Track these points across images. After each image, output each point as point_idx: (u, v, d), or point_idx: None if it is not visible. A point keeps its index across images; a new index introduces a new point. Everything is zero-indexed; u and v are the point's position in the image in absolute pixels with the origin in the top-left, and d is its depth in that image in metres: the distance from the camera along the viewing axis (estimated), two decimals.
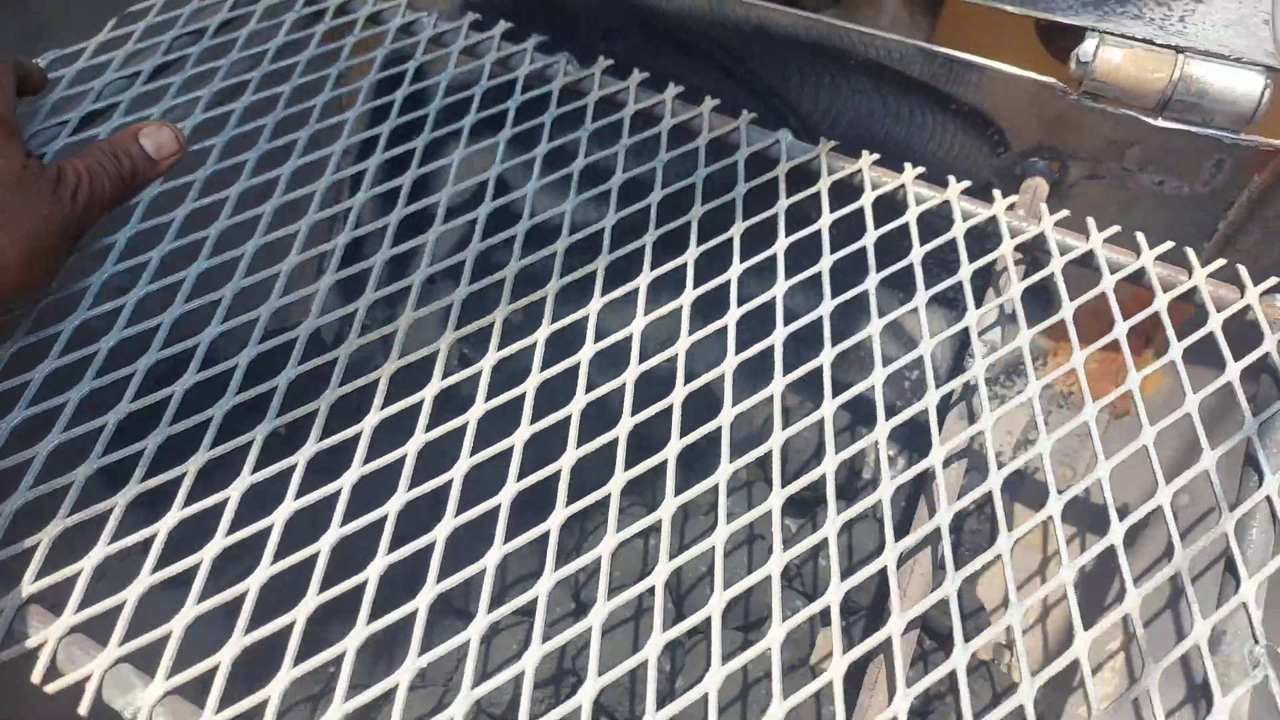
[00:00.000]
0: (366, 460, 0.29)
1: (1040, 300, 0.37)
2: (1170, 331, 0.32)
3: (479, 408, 0.31)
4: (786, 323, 0.33)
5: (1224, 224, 0.40)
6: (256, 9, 0.45)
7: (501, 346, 0.32)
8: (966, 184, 0.36)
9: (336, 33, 0.44)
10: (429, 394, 0.31)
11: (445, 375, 0.32)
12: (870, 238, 0.35)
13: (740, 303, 0.34)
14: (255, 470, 0.29)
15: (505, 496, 0.29)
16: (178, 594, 0.26)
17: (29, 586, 0.26)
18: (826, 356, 0.32)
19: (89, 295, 0.34)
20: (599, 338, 0.32)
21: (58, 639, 0.25)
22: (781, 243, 0.35)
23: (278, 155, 0.38)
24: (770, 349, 0.32)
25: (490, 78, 0.42)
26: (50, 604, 0.26)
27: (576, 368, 0.32)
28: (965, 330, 0.33)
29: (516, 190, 0.37)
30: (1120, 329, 0.32)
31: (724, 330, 0.33)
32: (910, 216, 0.36)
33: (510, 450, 0.30)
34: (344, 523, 0.28)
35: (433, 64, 0.43)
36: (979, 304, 0.33)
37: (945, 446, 0.30)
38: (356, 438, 0.30)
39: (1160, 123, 0.37)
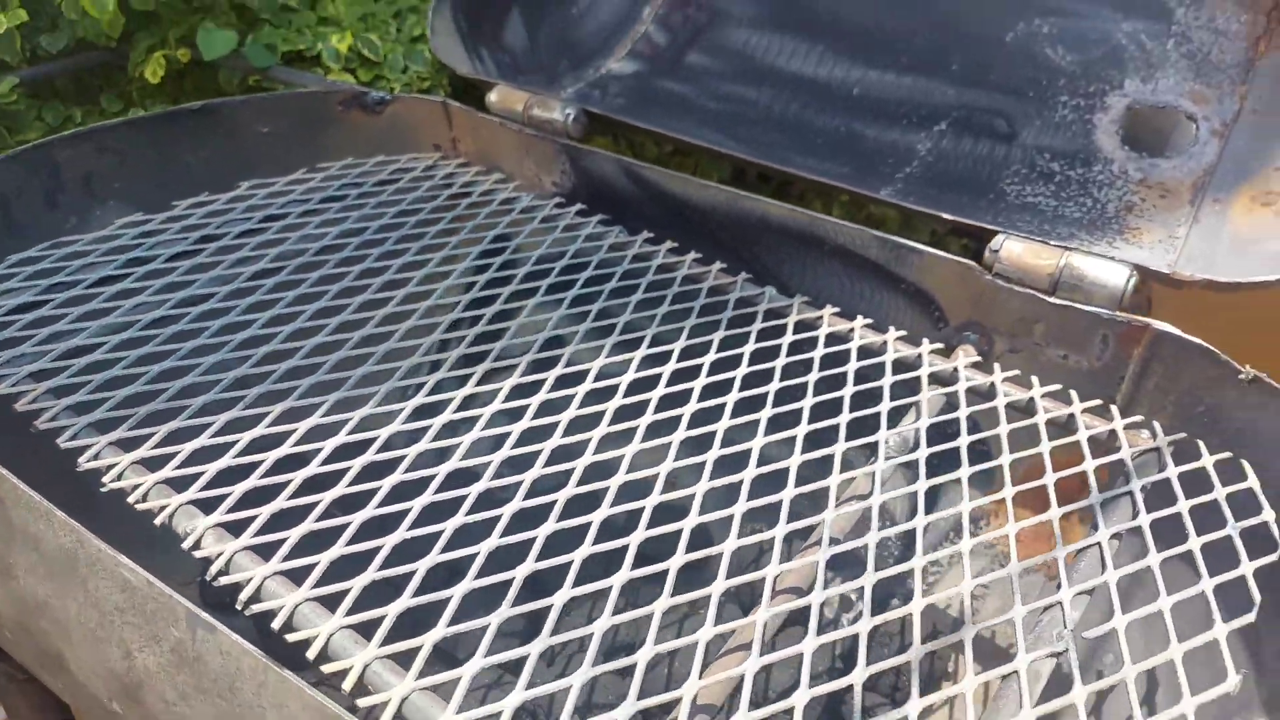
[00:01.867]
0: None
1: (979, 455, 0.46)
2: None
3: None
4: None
5: (1120, 396, 0.49)
6: (403, 177, 0.63)
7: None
8: (903, 332, 0.47)
9: (456, 197, 0.61)
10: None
11: None
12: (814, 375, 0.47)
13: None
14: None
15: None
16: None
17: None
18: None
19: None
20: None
21: None
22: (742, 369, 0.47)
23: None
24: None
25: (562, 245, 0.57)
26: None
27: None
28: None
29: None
30: (1049, 478, 0.41)
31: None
32: (875, 359, 0.47)
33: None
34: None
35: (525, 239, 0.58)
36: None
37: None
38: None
39: (1053, 300, 0.48)
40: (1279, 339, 0.48)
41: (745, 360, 0.48)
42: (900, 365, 0.48)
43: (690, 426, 0.43)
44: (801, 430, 0.43)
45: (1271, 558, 0.37)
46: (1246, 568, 0.36)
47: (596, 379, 0.46)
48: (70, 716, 0.52)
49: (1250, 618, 0.34)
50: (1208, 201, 0.59)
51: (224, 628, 0.28)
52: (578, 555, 0.36)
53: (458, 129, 0.68)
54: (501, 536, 0.36)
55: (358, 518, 0.36)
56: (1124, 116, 0.66)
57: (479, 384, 0.46)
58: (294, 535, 0.34)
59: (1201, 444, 0.42)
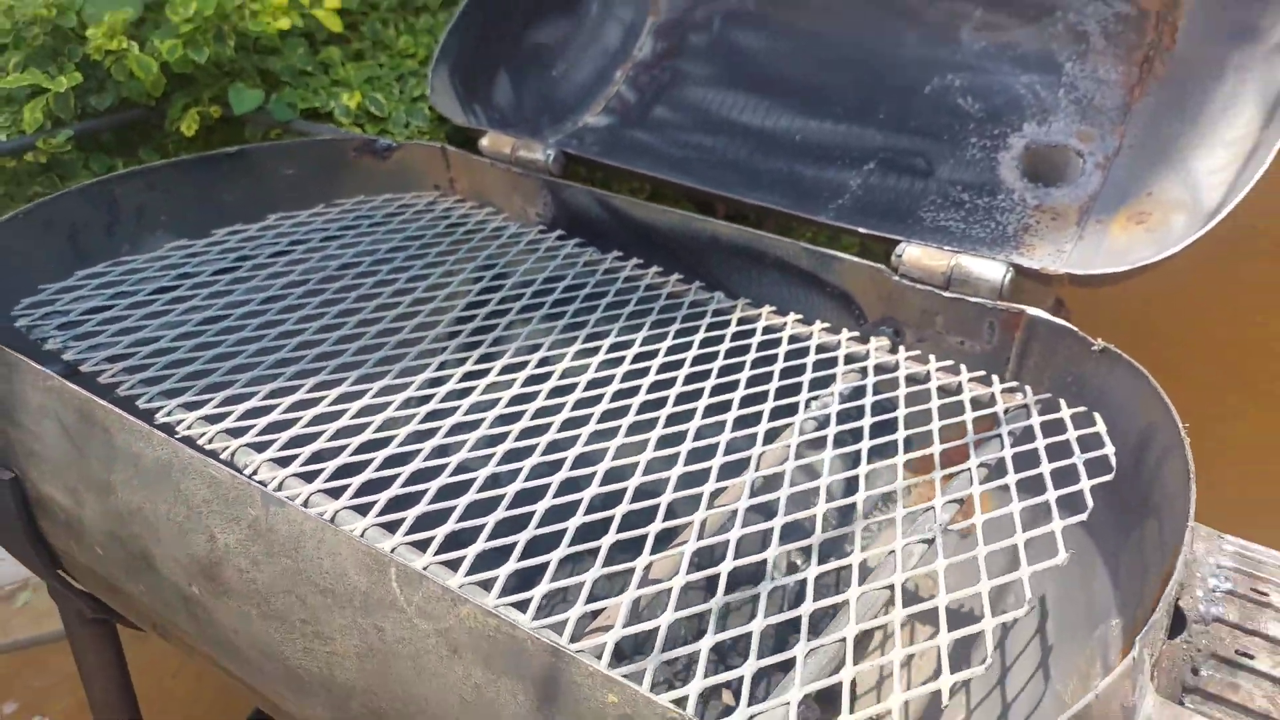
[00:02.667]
0: None
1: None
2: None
3: None
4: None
5: (1007, 372, 0.59)
6: (408, 210, 0.74)
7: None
8: (828, 324, 0.58)
9: (453, 226, 0.72)
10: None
11: None
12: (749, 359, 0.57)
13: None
14: None
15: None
16: None
17: None
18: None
19: None
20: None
21: None
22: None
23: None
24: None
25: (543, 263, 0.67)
26: None
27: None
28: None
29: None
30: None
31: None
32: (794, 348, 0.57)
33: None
34: None
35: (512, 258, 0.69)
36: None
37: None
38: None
39: (947, 294, 0.59)
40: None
41: (694, 348, 0.58)
42: (822, 349, 0.58)
43: (646, 402, 0.53)
44: (738, 394, 0.53)
45: (1107, 477, 0.46)
46: (1085, 484, 0.46)
47: (569, 367, 0.56)
48: (123, 660, 0.60)
49: (1083, 517, 0.44)
50: (1091, 222, 0.71)
51: (291, 501, 0.37)
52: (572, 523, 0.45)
53: (454, 170, 0.79)
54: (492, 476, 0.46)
55: (379, 456, 0.46)
56: (1023, 154, 0.78)
57: (474, 364, 0.55)
58: (331, 466, 0.44)
59: (1062, 401, 0.52)
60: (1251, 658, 0.34)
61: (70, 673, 1.09)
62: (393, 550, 0.37)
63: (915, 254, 0.59)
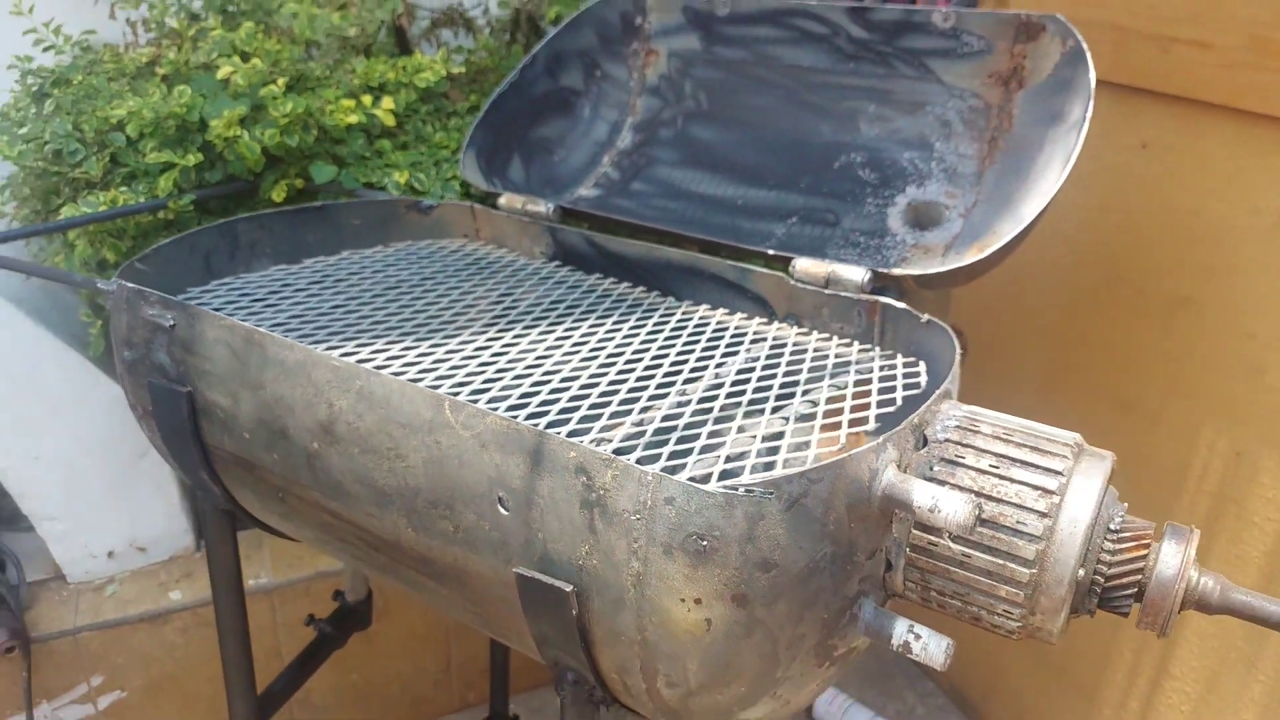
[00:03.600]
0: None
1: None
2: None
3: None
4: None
5: (872, 344, 0.83)
6: (444, 250, 0.99)
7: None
8: (745, 315, 0.82)
9: (477, 259, 0.97)
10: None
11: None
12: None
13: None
14: None
15: None
16: None
17: None
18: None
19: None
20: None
21: None
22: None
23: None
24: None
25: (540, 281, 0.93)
26: None
27: None
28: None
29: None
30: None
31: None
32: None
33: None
34: None
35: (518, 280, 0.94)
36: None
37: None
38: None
39: (827, 292, 0.83)
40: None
41: (645, 331, 0.82)
42: (739, 330, 0.82)
43: (609, 354, 0.77)
44: (674, 355, 0.77)
45: (916, 391, 0.69)
46: (899, 394, 0.69)
47: (557, 339, 0.80)
48: (238, 550, 0.82)
49: (890, 409, 0.67)
50: (951, 253, 0.96)
51: (381, 373, 0.60)
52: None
53: (479, 221, 1.05)
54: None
55: (434, 368, 0.69)
56: (906, 209, 1.03)
57: (495, 332, 0.80)
58: (408, 370, 0.67)
59: (899, 354, 0.76)
60: (963, 459, 0.57)
61: (146, 653, 1.30)
62: (446, 393, 0.60)
63: (804, 264, 0.84)
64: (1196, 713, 1.24)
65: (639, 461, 0.53)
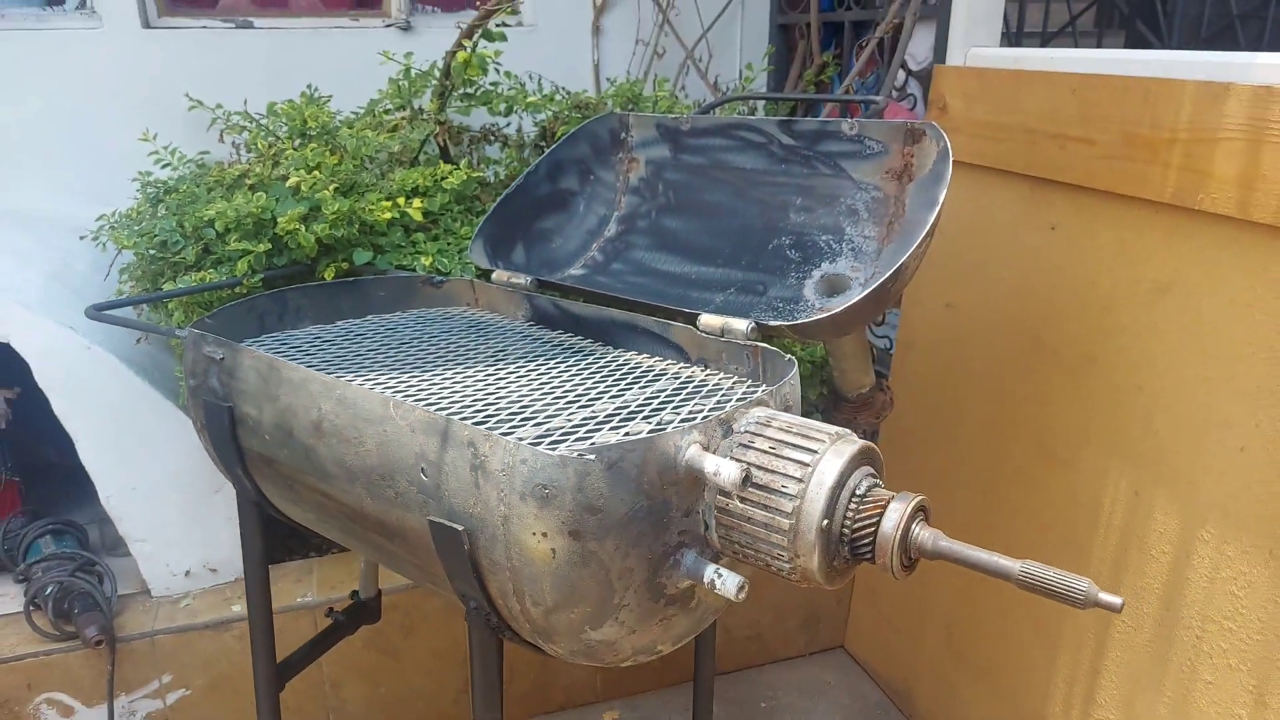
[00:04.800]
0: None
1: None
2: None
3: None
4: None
5: (760, 378, 1.04)
6: (451, 314, 1.26)
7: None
8: (668, 360, 1.05)
9: (474, 321, 1.23)
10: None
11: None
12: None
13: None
14: None
15: None
16: None
17: None
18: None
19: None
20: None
21: None
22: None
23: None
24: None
25: (519, 335, 1.18)
26: None
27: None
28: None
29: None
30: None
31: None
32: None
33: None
34: None
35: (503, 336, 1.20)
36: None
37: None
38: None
39: (722, 339, 1.05)
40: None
41: (590, 369, 1.05)
42: (660, 371, 1.05)
43: (560, 384, 1.00)
44: (610, 384, 1.00)
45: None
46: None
47: (516, 374, 1.04)
48: (265, 529, 1.08)
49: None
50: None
51: (350, 383, 0.85)
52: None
53: (478, 293, 1.31)
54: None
55: (415, 384, 0.94)
56: (820, 281, 1.25)
57: (485, 368, 1.04)
58: (381, 383, 0.92)
59: (765, 383, 0.97)
60: (754, 444, 0.78)
61: (209, 656, 1.55)
62: (391, 394, 0.85)
63: (705, 319, 1.07)
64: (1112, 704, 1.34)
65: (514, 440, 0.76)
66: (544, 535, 0.73)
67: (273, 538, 1.75)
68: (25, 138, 1.86)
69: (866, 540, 0.74)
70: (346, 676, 1.65)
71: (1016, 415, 1.51)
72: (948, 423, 1.68)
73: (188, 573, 1.63)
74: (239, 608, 1.58)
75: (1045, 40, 2.24)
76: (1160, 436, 1.27)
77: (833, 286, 1.25)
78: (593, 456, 0.73)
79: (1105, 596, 0.66)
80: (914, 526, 0.74)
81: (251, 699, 1.59)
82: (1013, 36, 2.08)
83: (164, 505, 1.58)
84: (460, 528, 0.77)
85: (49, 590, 1.50)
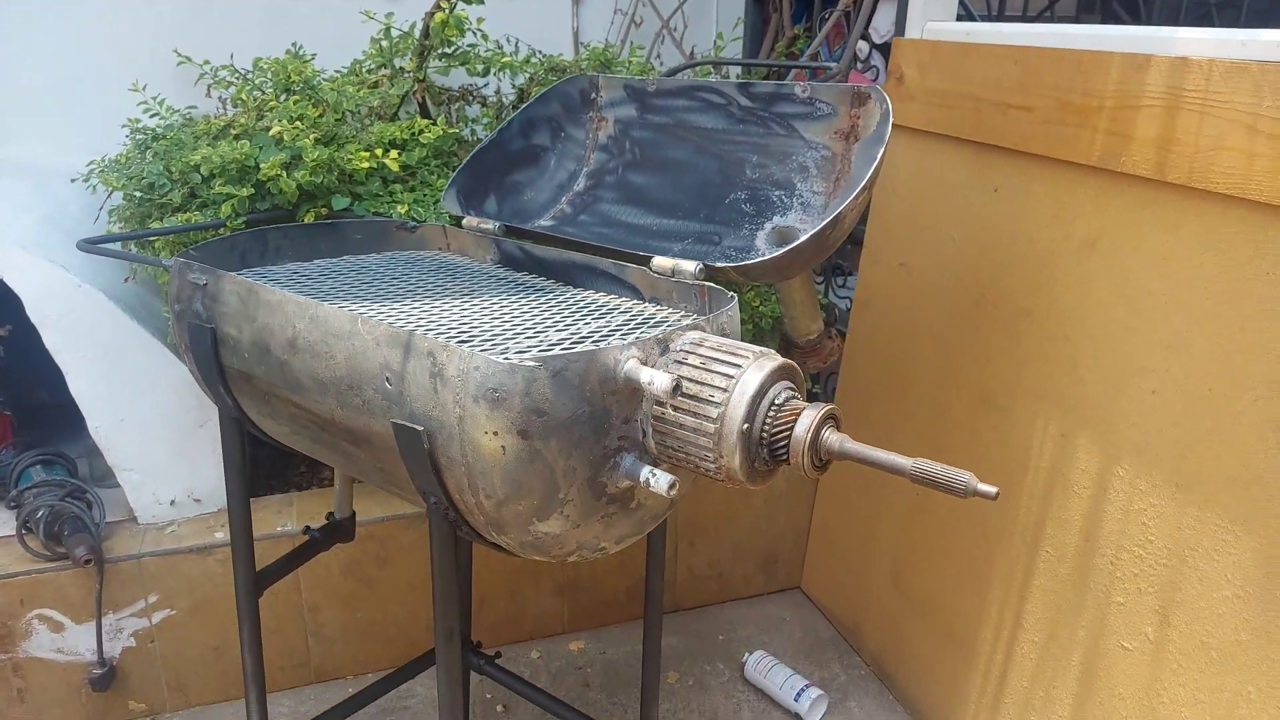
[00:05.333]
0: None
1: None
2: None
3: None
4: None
5: (707, 315, 1.12)
6: (424, 257, 1.34)
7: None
8: (622, 298, 1.14)
9: (445, 262, 1.31)
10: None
11: None
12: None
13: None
14: None
15: None
16: None
17: None
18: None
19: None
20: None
21: None
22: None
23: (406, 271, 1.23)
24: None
25: (486, 274, 1.26)
26: None
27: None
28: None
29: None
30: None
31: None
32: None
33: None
34: None
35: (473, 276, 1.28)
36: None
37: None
38: None
39: (673, 279, 1.13)
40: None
41: (552, 304, 1.13)
42: (614, 306, 1.13)
43: (522, 312, 1.08)
44: (570, 317, 1.08)
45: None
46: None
47: (482, 307, 1.13)
48: (245, 444, 1.16)
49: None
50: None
51: (322, 303, 0.93)
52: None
53: (450, 238, 1.39)
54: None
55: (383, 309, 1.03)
56: (771, 231, 1.34)
57: (451, 300, 1.13)
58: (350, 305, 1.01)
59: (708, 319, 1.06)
60: (687, 360, 0.87)
61: (192, 578, 1.64)
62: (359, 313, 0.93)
63: (658, 261, 1.15)
64: (1041, 659, 1.45)
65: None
66: (495, 434, 0.82)
67: (255, 474, 1.84)
68: (22, 92, 1.92)
69: (782, 443, 0.84)
70: (324, 602, 1.75)
71: (960, 368, 1.61)
72: (900, 376, 1.78)
73: (173, 502, 1.71)
74: (222, 534, 1.67)
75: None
76: (1085, 383, 1.36)
77: (783, 238, 1.33)
78: (538, 364, 0.81)
79: (982, 486, 0.75)
80: (824, 431, 0.83)
81: (232, 620, 1.68)
82: (994, 20, 2.15)
83: (151, 438, 1.66)
84: (420, 428, 0.85)
85: (40, 513, 1.58)
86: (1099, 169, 1.31)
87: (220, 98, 1.87)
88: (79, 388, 1.59)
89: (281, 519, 1.71)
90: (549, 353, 0.88)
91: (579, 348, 0.93)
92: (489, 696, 1.80)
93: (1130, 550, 1.30)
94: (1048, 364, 1.42)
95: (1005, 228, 1.50)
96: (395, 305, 1.11)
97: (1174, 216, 1.22)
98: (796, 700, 1.76)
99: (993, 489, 0.75)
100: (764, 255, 1.16)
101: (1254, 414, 1.13)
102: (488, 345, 0.96)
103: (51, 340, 1.56)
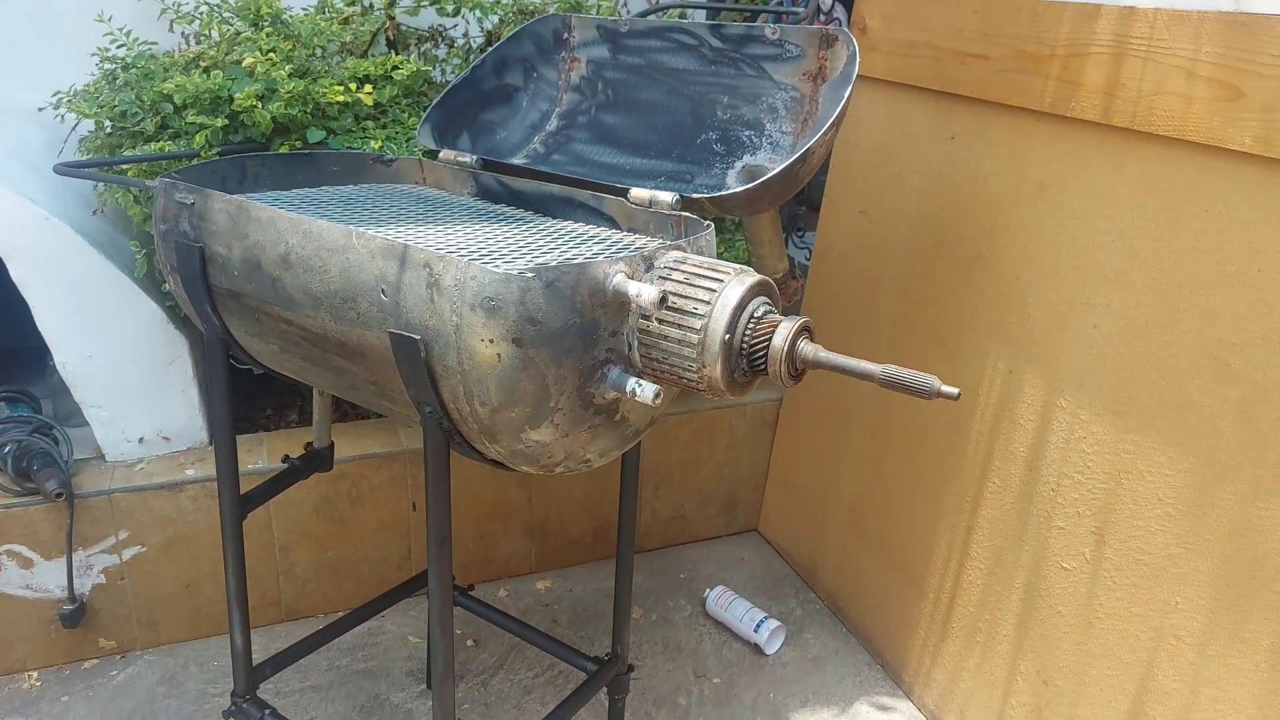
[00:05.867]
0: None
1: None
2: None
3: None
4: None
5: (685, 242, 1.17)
6: (399, 189, 1.36)
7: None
8: (600, 228, 1.17)
9: (424, 194, 1.34)
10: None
11: None
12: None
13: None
14: None
15: None
16: None
17: None
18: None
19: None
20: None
21: None
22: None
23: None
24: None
25: (463, 205, 1.29)
26: None
27: None
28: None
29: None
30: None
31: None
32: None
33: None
34: None
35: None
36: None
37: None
38: None
39: (651, 210, 1.18)
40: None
41: (530, 234, 1.17)
42: (593, 235, 1.17)
43: (504, 238, 1.12)
44: (535, 244, 1.12)
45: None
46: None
47: (463, 233, 1.16)
48: (230, 368, 1.18)
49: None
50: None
51: (316, 219, 0.96)
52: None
53: (426, 171, 1.41)
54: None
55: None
56: (742, 171, 1.38)
57: (429, 226, 1.15)
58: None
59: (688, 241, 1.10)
60: (671, 276, 0.91)
61: (163, 515, 1.65)
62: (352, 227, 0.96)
63: (635, 192, 1.19)
64: (987, 585, 1.54)
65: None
66: (490, 341, 0.86)
67: (252, 405, 1.84)
68: None
69: (761, 353, 0.89)
70: (296, 541, 1.77)
71: (918, 311, 1.68)
72: (860, 321, 1.85)
73: (141, 440, 1.71)
74: (193, 471, 1.68)
75: None
76: (1032, 321, 1.44)
77: (753, 176, 1.38)
78: (532, 274, 0.85)
79: (945, 388, 0.81)
80: (799, 342, 0.88)
81: (202, 558, 1.70)
82: None
83: (119, 374, 1.66)
84: (418, 338, 0.89)
85: (7, 449, 1.58)
86: (1051, 114, 1.38)
87: (183, 33, 1.85)
88: (46, 322, 1.58)
89: (253, 457, 1.73)
90: (540, 264, 0.92)
91: (569, 261, 0.97)
92: (459, 632, 1.84)
93: (1071, 477, 1.39)
94: (999, 304, 1.50)
95: (963, 174, 1.57)
96: (380, 229, 1.13)
97: (1118, 158, 1.30)
98: (756, 631, 1.83)
99: (954, 389, 0.81)
100: (736, 188, 1.21)
101: (1187, 343, 1.22)
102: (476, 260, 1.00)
103: (18, 273, 1.54)
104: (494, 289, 0.85)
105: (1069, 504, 1.39)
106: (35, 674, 1.68)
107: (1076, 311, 1.37)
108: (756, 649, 1.84)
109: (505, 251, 1.06)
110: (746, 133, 1.42)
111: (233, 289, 1.07)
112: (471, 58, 1.91)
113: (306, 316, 1.00)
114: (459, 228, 1.17)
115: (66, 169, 1.16)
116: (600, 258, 0.92)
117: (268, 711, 1.30)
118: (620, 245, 1.13)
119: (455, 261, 0.86)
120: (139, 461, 1.71)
